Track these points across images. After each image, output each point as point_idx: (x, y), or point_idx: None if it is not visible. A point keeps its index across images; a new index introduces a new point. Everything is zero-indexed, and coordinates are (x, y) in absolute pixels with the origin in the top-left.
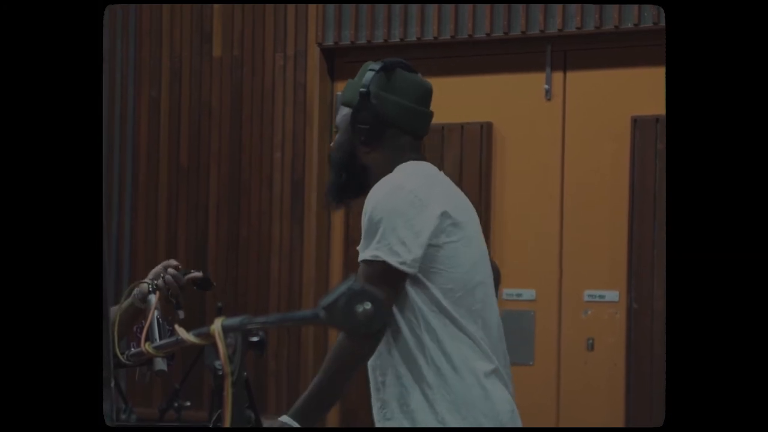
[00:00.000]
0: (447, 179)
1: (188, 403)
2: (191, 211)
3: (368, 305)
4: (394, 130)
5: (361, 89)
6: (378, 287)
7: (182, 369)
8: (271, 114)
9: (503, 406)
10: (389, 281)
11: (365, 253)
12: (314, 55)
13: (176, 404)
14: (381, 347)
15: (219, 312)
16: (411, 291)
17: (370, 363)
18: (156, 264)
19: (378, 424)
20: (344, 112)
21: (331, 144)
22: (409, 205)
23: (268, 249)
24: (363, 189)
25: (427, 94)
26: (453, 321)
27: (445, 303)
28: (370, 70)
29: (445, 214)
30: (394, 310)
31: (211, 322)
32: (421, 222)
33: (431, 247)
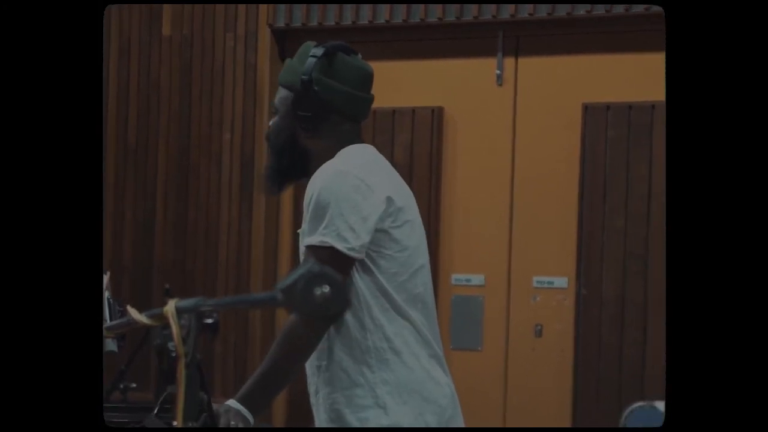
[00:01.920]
0: (386, 162)
1: (134, 385)
2: (139, 191)
3: (326, 288)
4: (335, 116)
5: (303, 77)
6: None
7: (128, 350)
8: (221, 94)
9: (443, 390)
10: (338, 267)
11: (312, 238)
12: (265, 36)
13: (122, 385)
14: None
15: (167, 293)
16: (354, 275)
17: None
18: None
19: (315, 408)
20: (283, 94)
21: (269, 125)
22: (355, 191)
23: (216, 230)
24: (303, 173)
25: (368, 79)
26: (395, 305)
27: (388, 287)
28: (312, 56)
29: (389, 199)
30: None
31: (159, 303)
32: (368, 207)
33: (377, 232)
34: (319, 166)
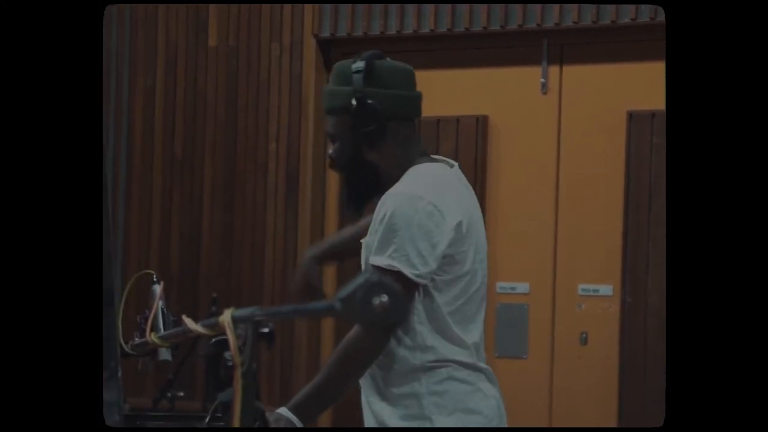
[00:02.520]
0: (456, 178)
1: (181, 393)
2: (185, 202)
3: (385, 298)
4: (393, 122)
5: (357, 94)
6: None
7: (176, 359)
8: (267, 104)
9: (489, 402)
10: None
11: (380, 259)
12: (310, 46)
13: (169, 394)
14: None
15: (214, 302)
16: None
17: None
18: (148, 254)
19: (366, 417)
20: (334, 120)
21: (330, 156)
22: (428, 217)
23: (262, 240)
24: (376, 189)
25: (411, 77)
26: (447, 328)
27: (444, 311)
28: (356, 71)
29: (459, 225)
30: None
31: (205, 312)
32: (438, 234)
33: (444, 258)
34: (389, 176)
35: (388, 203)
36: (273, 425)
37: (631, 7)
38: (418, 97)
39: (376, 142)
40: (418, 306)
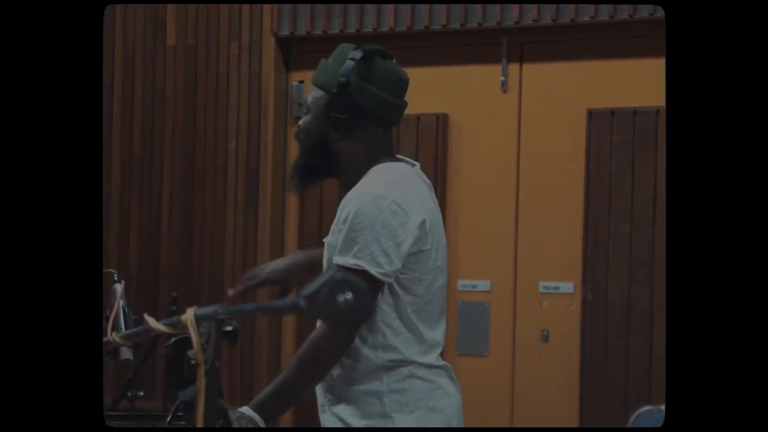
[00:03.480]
0: (418, 178)
1: (141, 393)
2: (144, 200)
3: (349, 295)
4: (369, 121)
5: (341, 79)
6: None
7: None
8: (226, 103)
9: (450, 400)
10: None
11: (345, 259)
12: (269, 45)
13: (130, 394)
14: None
15: (174, 302)
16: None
17: None
18: (107, 253)
19: (323, 420)
20: (317, 94)
21: (299, 123)
22: (392, 216)
23: (222, 239)
24: (330, 173)
25: (403, 85)
26: (410, 326)
27: (408, 309)
28: (351, 59)
29: (423, 223)
30: None
31: (165, 311)
32: (403, 233)
33: (408, 256)
34: (348, 169)
35: (352, 203)
36: (235, 424)
37: (590, 6)
38: (401, 106)
39: (344, 133)
40: (382, 305)
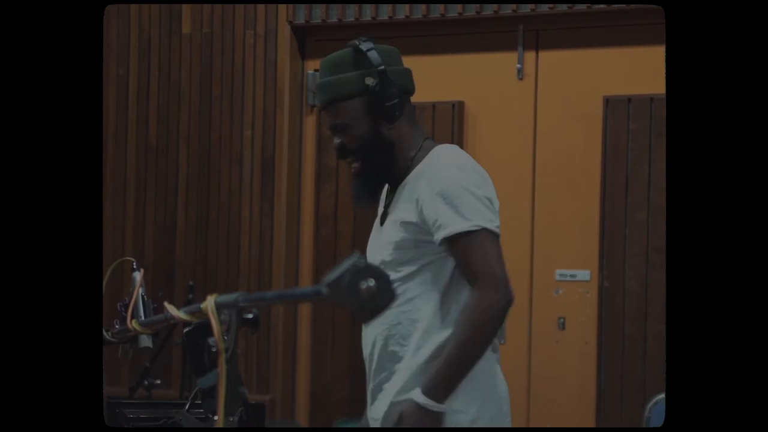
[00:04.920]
0: None
1: (158, 381)
2: (160, 190)
3: (372, 282)
4: (405, 95)
5: (379, 68)
6: (493, 253)
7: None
8: (241, 92)
9: (504, 385)
10: (494, 245)
11: (459, 225)
12: (285, 34)
13: (146, 382)
14: (402, 316)
15: (190, 290)
16: (447, 264)
17: (380, 332)
18: (123, 243)
19: (377, 394)
20: (345, 108)
21: (340, 145)
22: (482, 180)
23: (237, 228)
24: (392, 170)
25: (399, 54)
26: None
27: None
28: (369, 50)
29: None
30: (426, 279)
31: (182, 299)
32: (493, 194)
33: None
34: (403, 154)
35: (437, 177)
36: (407, 419)
37: None
38: (410, 72)
39: (396, 117)
40: (450, 271)
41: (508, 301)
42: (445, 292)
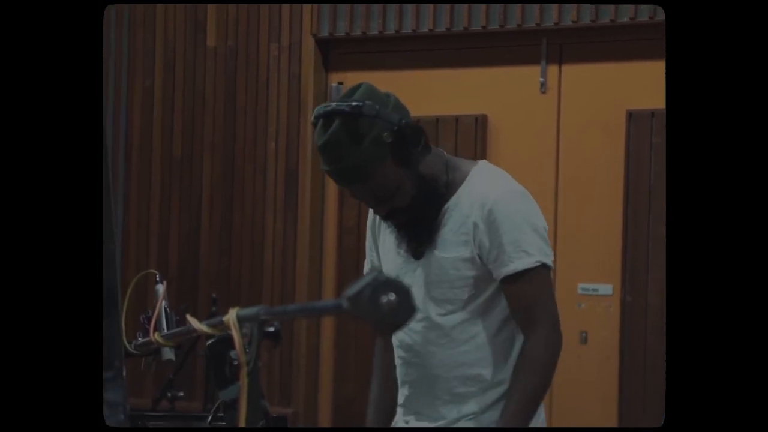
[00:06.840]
0: None
1: (181, 393)
2: (184, 201)
3: (393, 296)
4: (410, 120)
5: (402, 121)
6: (551, 292)
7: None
8: (266, 104)
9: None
10: (551, 281)
11: (525, 261)
12: (309, 46)
13: (169, 394)
14: (477, 340)
15: (213, 302)
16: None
17: (455, 358)
18: (147, 254)
19: (450, 423)
20: (382, 173)
21: (389, 209)
22: (536, 208)
23: (261, 239)
24: (436, 205)
25: (374, 87)
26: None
27: None
28: (380, 106)
29: None
30: (488, 315)
31: (205, 311)
32: (545, 222)
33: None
34: (433, 183)
35: (499, 204)
36: None
37: (630, 7)
38: (395, 96)
39: (425, 151)
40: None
41: (561, 339)
42: (504, 326)
